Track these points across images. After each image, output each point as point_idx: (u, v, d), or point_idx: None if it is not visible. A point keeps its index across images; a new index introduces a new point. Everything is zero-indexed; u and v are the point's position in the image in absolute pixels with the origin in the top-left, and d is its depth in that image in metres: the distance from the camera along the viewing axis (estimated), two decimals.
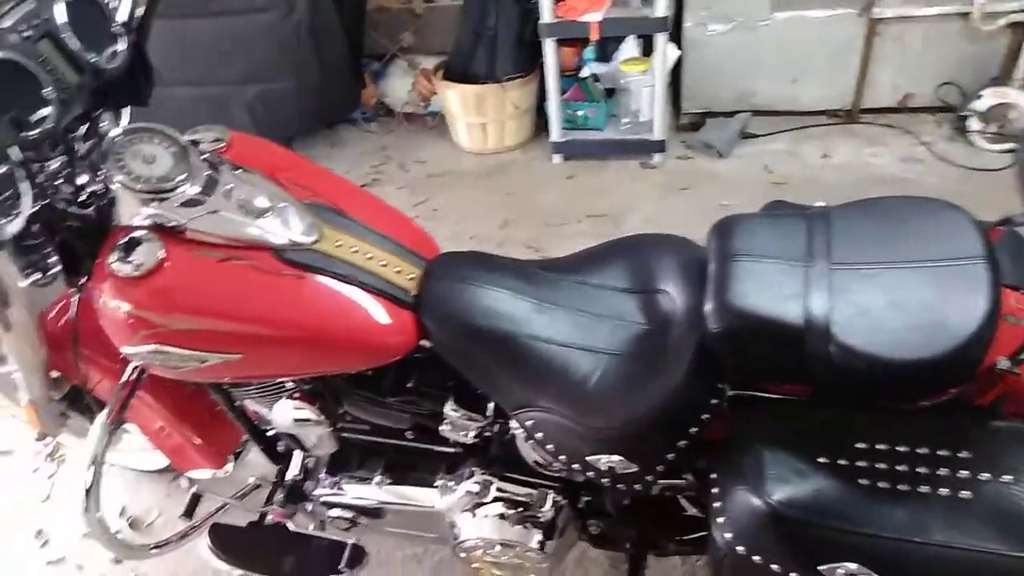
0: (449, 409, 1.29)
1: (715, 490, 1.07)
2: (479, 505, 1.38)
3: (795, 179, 3.18)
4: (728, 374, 1.08)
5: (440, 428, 1.33)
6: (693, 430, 1.11)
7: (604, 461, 1.14)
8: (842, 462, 0.98)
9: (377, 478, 1.45)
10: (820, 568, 0.95)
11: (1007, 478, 0.92)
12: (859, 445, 0.98)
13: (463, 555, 1.44)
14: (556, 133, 3.45)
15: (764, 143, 3.44)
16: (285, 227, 1.12)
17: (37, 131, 1.04)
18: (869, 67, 3.35)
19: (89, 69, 1.13)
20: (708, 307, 1.02)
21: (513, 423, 1.26)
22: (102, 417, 1.31)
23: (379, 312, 1.15)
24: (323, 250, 1.14)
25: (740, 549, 1.01)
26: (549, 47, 3.22)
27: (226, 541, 1.48)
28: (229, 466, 1.68)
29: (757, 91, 3.51)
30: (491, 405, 1.31)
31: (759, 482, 0.99)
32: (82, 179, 1.14)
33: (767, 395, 1.11)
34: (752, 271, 1.02)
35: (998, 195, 1.46)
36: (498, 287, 1.19)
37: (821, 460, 0.99)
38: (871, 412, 1.02)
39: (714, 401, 1.10)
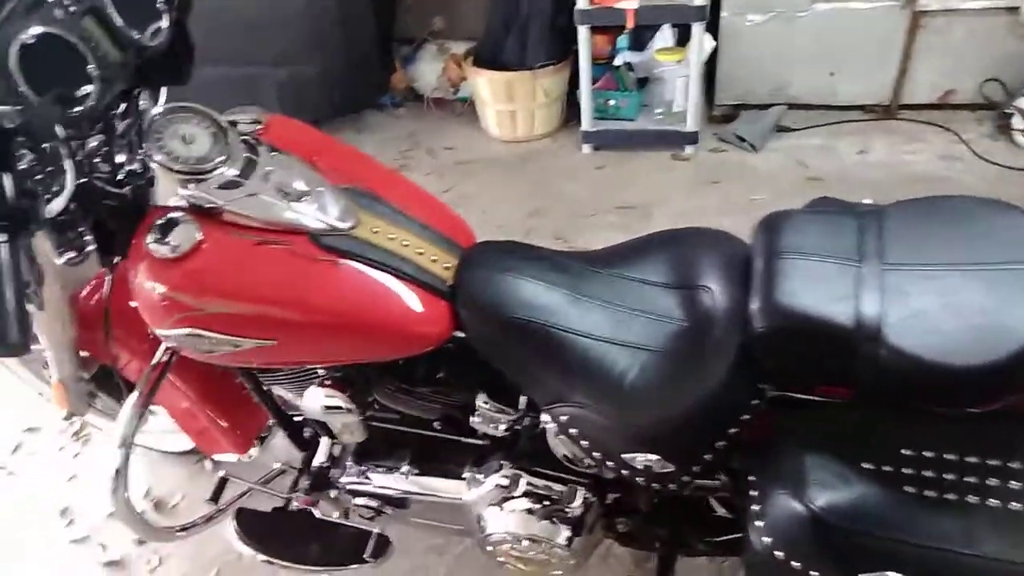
0: (480, 401, 1.27)
1: (753, 493, 1.04)
2: (507, 499, 1.36)
3: (830, 175, 3.12)
4: (770, 375, 1.05)
5: (471, 420, 1.31)
6: (732, 431, 1.08)
7: (640, 460, 1.12)
8: (887, 468, 0.96)
9: (404, 468, 1.43)
10: None
11: None
12: (905, 451, 0.96)
13: (489, 549, 1.43)
14: (587, 122, 3.41)
15: (799, 137, 3.38)
16: (322, 212, 1.10)
17: (79, 108, 1.02)
18: (910, 61, 3.28)
19: (131, 46, 1.11)
20: (754, 306, 0.99)
21: (545, 417, 1.23)
22: (132, 399, 1.30)
23: (414, 301, 1.13)
24: (360, 236, 1.12)
25: (778, 554, 0.98)
26: (583, 34, 3.18)
27: (251, 526, 1.47)
28: (254, 450, 1.67)
29: (793, 84, 3.45)
30: (523, 398, 1.28)
31: (801, 487, 0.96)
32: (120, 158, 1.13)
33: (809, 397, 1.08)
34: (801, 269, 0.99)
35: None
36: (536, 278, 1.16)
37: (865, 466, 0.96)
38: (918, 418, 0.98)
39: (754, 402, 1.07)
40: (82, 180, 1.04)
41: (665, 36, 3.37)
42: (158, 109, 1.08)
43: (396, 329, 1.12)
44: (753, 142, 3.31)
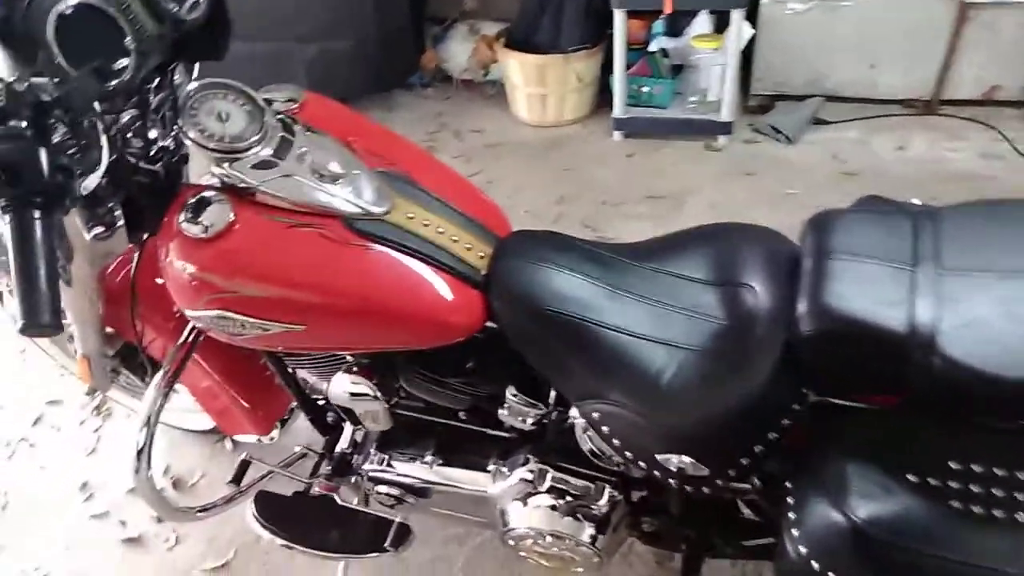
0: (509, 394, 1.25)
1: (790, 500, 1.02)
2: (532, 494, 1.33)
3: (867, 171, 3.04)
4: (815, 379, 1.02)
5: (498, 412, 1.28)
6: (771, 435, 1.05)
7: (674, 461, 1.08)
8: (933, 481, 0.92)
9: (428, 457, 1.41)
10: None
11: None
12: (953, 464, 0.92)
13: (511, 543, 1.40)
14: (619, 109, 3.35)
15: (835, 131, 3.30)
16: (357, 195, 1.07)
17: (115, 82, 1.00)
18: (954, 55, 3.18)
19: (169, 19, 1.09)
20: (801, 307, 0.95)
21: (574, 412, 1.20)
22: (157, 379, 1.29)
23: (447, 290, 1.10)
24: (394, 222, 1.09)
25: (815, 564, 0.95)
26: (619, 18, 3.11)
27: (271, 510, 1.46)
28: (275, 433, 1.67)
29: (832, 75, 3.36)
30: (553, 392, 1.25)
31: (841, 496, 0.93)
32: (153, 133, 1.11)
33: (853, 404, 1.04)
34: (852, 271, 0.96)
35: None
36: (572, 271, 1.13)
37: (910, 477, 0.93)
38: (967, 429, 0.94)
39: (796, 406, 1.03)
40: (115, 156, 1.02)
41: (702, 22, 3.30)
42: (193, 85, 1.05)
43: (428, 318, 1.09)
44: (789, 134, 3.23)
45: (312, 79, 3.41)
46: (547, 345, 1.14)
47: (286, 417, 1.69)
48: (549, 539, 1.34)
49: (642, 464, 1.13)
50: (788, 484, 1.04)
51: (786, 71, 3.38)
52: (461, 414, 1.36)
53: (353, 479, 1.50)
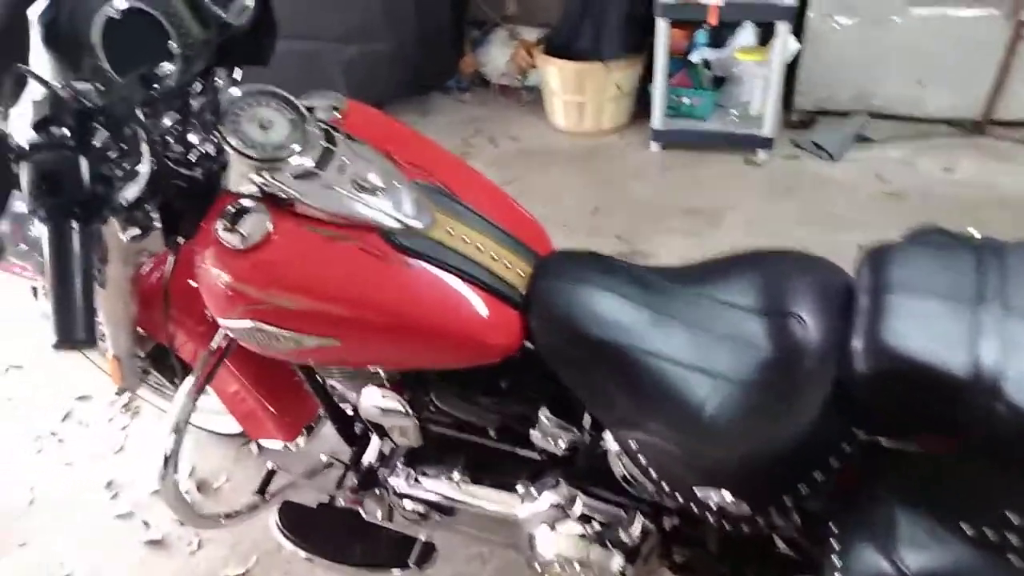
0: (543, 415, 1.21)
1: (835, 543, 0.97)
2: (561, 519, 1.29)
3: (912, 192, 2.97)
4: (866, 418, 0.97)
5: (530, 433, 1.25)
6: (817, 474, 1.00)
7: (713, 496, 1.04)
8: (990, 533, 0.88)
9: (456, 475, 1.38)
10: None
11: None
12: (1011, 516, 0.87)
13: (537, 567, 1.37)
14: (658, 119, 3.30)
15: (880, 149, 3.23)
16: (397, 209, 1.05)
17: (158, 87, 0.99)
18: (1007, 75, 3.10)
19: (215, 24, 1.07)
20: (857, 344, 0.91)
21: (610, 439, 1.17)
22: (187, 385, 1.27)
23: (487, 310, 1.07)
24: (434, 237, 1.06)
25: None
26: (661, 28, 3.07)
27: (295, 521, 1.44)
28: (301, 440, 1.65)
29: (878, 92, 3.29)
30: (588, 416, 1.22)
31: (889, 542, 0.89)
32: (193, 138, 1.09)
33: (905, 446, 0.99)
34: (911, 309, 0.91)
35: None
36: (614, 293, 1.09)
37: (964, 528, 0.89)
38: None
39: (845, 445, 0.98)
40: (155, 163, 1.00)
41: (747, 34, 3.24)
42: (236, 91, 1.03)
43: (465, 338, 1.06)
44: (831, 151, 3.17)
45: (349, 79, 3.41)
46: (585, 369, 1.10)
47: (312, 424, 1.67)
48: (577, 567, 1.30)
49: (679, 497, 1.09)
50: (832, 525, 1.00)
51: (830, 86, 3.32)
52: (491, 432, 1.33)
53: (379, 492, 1.48)
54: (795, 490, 1.02)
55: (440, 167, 1.16)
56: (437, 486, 1.41)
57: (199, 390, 1.29)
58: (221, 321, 1.10)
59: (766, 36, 3.18)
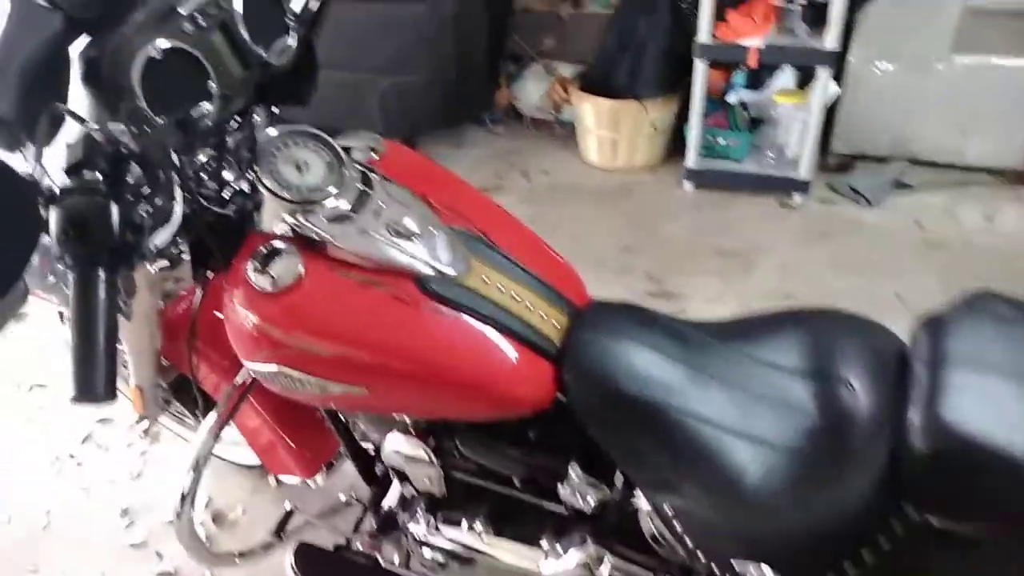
0: (572, 471, 1.16)
1: None
2: None
3: (952, 241, 2.89)
4: (919, 498, 0.91)
5: (558, 487, 1.20)
6: (863, 552, 0.94)
7: (752, 570, 0.99)
8: None
9: (478, 525, 1.33)
10: None
11: None
12: None
13: None
14: (692, 159, 3.27)
15: (919, 196, 3.15)
16: (432, 255, 1.01)
17: (195, 129, 0.97)
18: None
19: (256, 63, 1.05)
20: (914, 419, 0.86)
21: (641, 497, 1.11)
22: (209, 422, 1.24)
23: (519, 361, 1.03)
24: (469, 285, 1.03)
25: None
26: (699, 69, 3.04)
27: (310, 563, 1.40)
28: (320, 477, 1.60)
29: (918, 139, 3.23)
30: (619, 474, 1.17)
31: None
32: (228, 175, 1.07)
33: (958, 528, 0.93)
34: (973, 385, 0.86)
35: None
36: (653, 349, 1.04)
37: None
38: None
39: (895, 525, 0.92)
40: (188, 208, 0.98)
41: (786, 77, 3.21)
42: (273, 131, 1.01)
43: (497, 390, 1.02)
44: (869, 196, 3.10)
45: (386, 110, 3.39)
46: (620, 427, 1.05)
47: (332, 461, 1.64)
48: None
49: (716, 568, 1.03)
50: None
51: (869, 131, 3.26)
52: (517, 483, 1.28)
53: (397, 537, 1.43)
54: (839, 567, 0.96)
55: (477, 212, 1.13)
56: (458, 535, 1.36)
57: (221, 427, 1.26)
58: (246, 364, 1.07)
59: (805, 79, 3.14)
